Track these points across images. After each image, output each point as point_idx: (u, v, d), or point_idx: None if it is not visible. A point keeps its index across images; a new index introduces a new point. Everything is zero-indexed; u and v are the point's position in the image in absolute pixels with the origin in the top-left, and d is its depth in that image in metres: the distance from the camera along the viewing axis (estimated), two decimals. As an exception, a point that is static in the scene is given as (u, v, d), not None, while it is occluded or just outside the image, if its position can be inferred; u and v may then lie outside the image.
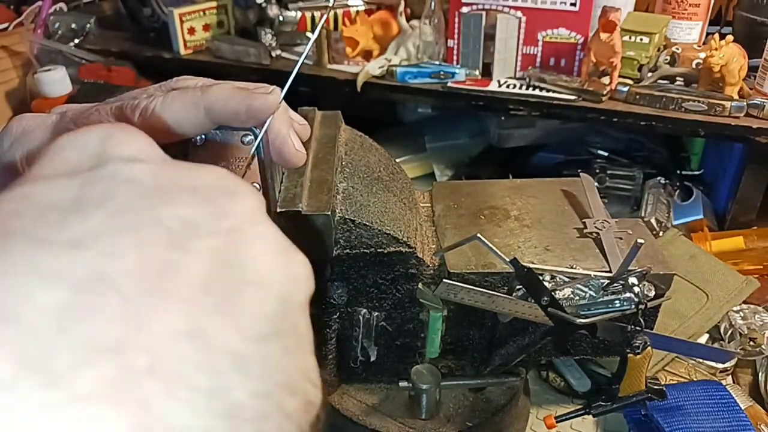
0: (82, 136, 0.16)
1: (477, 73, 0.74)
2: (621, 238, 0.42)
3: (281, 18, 0.82)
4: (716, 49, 0.63)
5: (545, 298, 0.38)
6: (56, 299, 0.12)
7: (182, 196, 0.15)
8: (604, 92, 0.68)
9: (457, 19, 0.74)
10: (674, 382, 0.54)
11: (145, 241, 0.13)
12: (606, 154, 0.85)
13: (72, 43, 0.89)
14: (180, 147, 0.30)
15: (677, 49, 0.71)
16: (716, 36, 0.65)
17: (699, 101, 0.66)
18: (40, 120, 0.27)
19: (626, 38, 0.68)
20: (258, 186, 0.30)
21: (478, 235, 0.37)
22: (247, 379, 0.14)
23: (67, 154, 0.15)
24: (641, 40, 0.69)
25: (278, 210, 0.33)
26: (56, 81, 0.78)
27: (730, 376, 0.56)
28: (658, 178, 0.78)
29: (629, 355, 0.40)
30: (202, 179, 0.16)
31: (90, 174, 0.15)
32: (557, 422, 0.43)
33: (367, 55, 0.84)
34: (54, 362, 0.11)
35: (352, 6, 0.85)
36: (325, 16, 0.33)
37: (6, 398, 0.11)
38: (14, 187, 0.14)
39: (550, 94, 0.70)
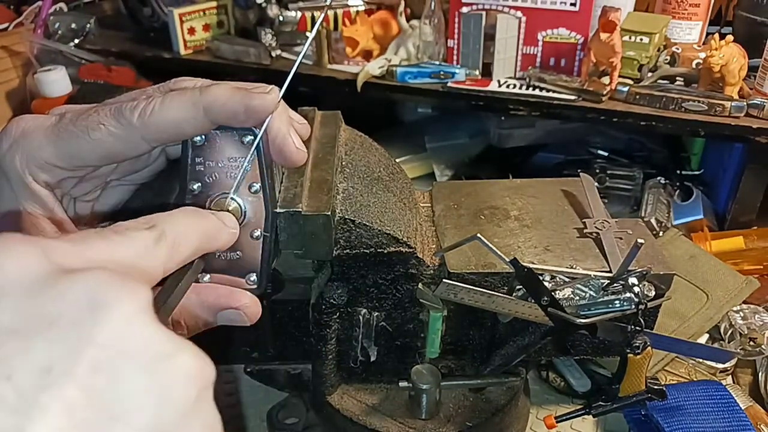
0: None
1: (477, 73, 0.74)
2: (621, 238, 0.42)
3: (281, 18, 0.82)
4: (716, 49, 0.63)
5: (545, 298, 0.37)
6: None
7: (38, 337, 0.14)
8: (604, 92, 0.68)
9: (457, 19, 0.74)
10: (674, 382, 0.54)
11: None
12: (606, 154, 0.85)
13: (72, 43, 0.89)
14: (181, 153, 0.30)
15: (677, 49, 0.71)
16: (716, 36, 0.65)
17: (699, 101, 0.66)
18: (39, 121, 0.27)
19: (626, 38, 0.68)
20: (258, 186, 0.30)
21: (478, 235, 0.37)
22: None
23: None
24: (641, 40, 0.69)
25: (278, 210, 0.33)
26: (56, 81, 0.77)
27: (730, 376, 0.56)
28: (658, 178, 0.78)
29: (629, 355, 0.40)
30: (65, 303, 0.15)
31: None
32: (557, 422, 0.43)
33: (367, 55, 0.84)
34: None
35: (352, 6, 0.85)
36: (322, 15, 0.33)
37: None
38: None
39: (550, 94, 0.70)
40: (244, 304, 0.27)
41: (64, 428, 0.14)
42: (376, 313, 0.42)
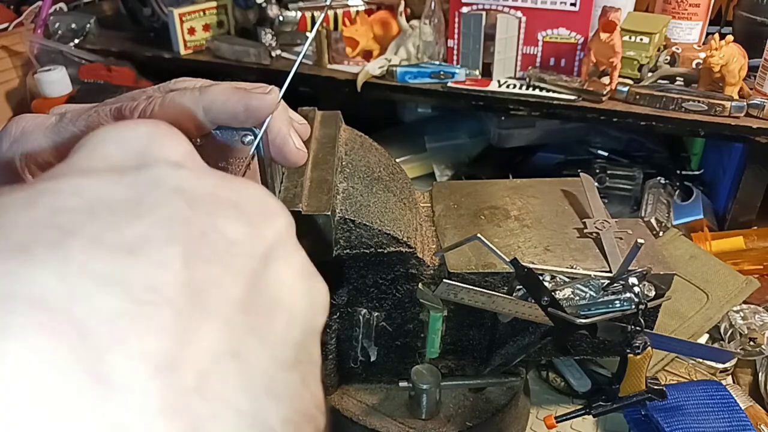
0: (125, 131, 0.16)
1: (477, 73, 0.74)
2: (621, 238, 0.42)
3: (281, 18, 0.82)
4: (716, 49, 0.63)
5: (545, 299, 0.37)
6: (114, 307, 0.12)
7: (224, 211, 0.15)
8: (604, 92, 0.68)
9: (457, 19, 0.74)
10: (674, 382, 0.54)
11: (191, 254, 0.13)
12: (606, 154, 0.85)
13: (72, 43, 0.89)
14: None
15: (677, 49, 0.71)
16: (716, 36, 0.65)
17: (699, 101, 0.66)
18: (39, 121, 0.27)
19: (626, 38, 0.68)
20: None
21: (478, 235, 0.37)
22: (278, 405, 0.14)
23: (108, 149, 0.15)
24: (641, 40, 0.69)
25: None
26: (56, 81, 0.77)
27: (730, 376, 0.56)
28: (658, 178, 0.78)
29: (629, 355, 0.40)
30: (242, 195, 0.16)
31: (137, 175, 0.14)
32: (557, 422, 0.43)
33: (367, 55, 0.84)
34: (112, 373, 0.11)
35: (352, 6, 0.85)
36: (322, 15, 0.33)
37: (62, 404, 0.11)
38: (57, 176, 0.14)
39: (550, 94, 0.70)
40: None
41: (246, 296, 0.14)
42: (376, 313, 0.42)
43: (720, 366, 0.55)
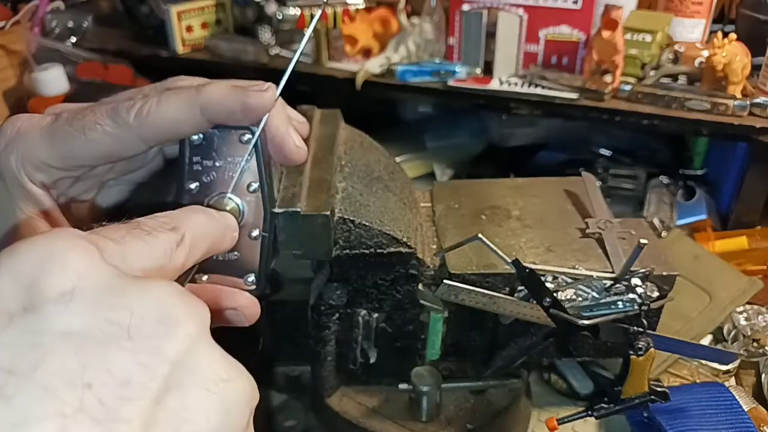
0: (17, 258, 0.15)
1: (478, 71, 0.74)
2: (624, 239, 0.41)
3: (280, 16, 0.81)
4: (719, 48, 0.63)
5: (547, 299, 0.37)
6: None
7: (115, 348, 0.14)
8: (607, 91, 0.67)
9: (457, 17, 0.73)
10: (677, 383, 0.54)
11: (74, 422, 0.13)
12: (608, 153, 0.84)
13: (69, 42, 0.88)
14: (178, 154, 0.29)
15: (680, 47, 0.70)
16: (719, 34, 0.65)
17: (702, 100, 0.65)
18: (35, 121, 0.26)
19: (629, 36, 0.68)
20: (256, 185, 0.30)
21: (480, 235, 0.37)
22: None
23: (2, 284, 0.15)
24: (644, 38, 0.69)
25: (277, 210, 0.32)
26: (53, 79, 0.77)
27: (733, 378, 0.56)
28: (661, 177, 0.78)
29: (632, 356, 0.40)
30: (138, 313, 0.15)
31: (22, 324, 0.14)
32: (559, 424, 0.43)
33: (367, 53, 0.83)
34: None
35: (352, 4, 0.85)
36: (320, 11, 0.33)
37: None
38: None
39: (552, 93, 0.69)
40: (242, 305, 0.27)
41: None
42: (376, 315, 0.41)
43: (723, 367, 0.55)
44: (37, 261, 0.15)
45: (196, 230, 0.22)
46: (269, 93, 0.27)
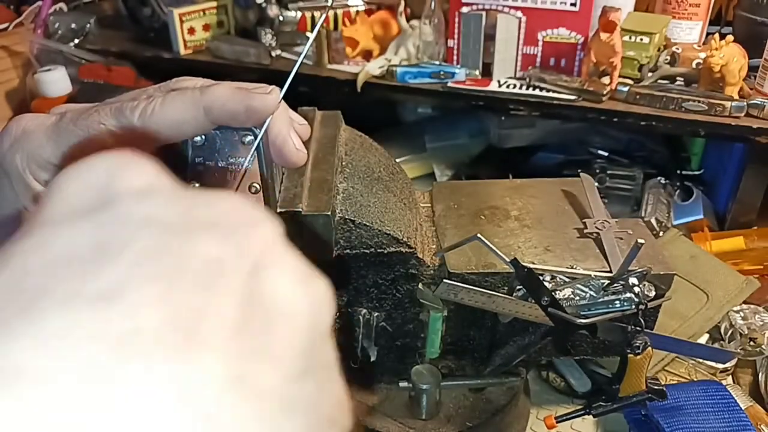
0: (86, 169, 0.15)
1: (477, 73, 0.74)
2: (621, 238, 0.42)
3: (281, 18, 0.82)
4: (716, 49, 0.63)
5: (545, 299, 0.37)
6: (97, 364, 0.11)
7: (202, 232, 0.14)
8: (604, 92, 0.68)
9: (457, 19, 0.74)
10: (674, 382, 0.54)
11: (173, 289, 0.13)
12: (606, 154, 0.85)
13: (72, 43, 0.89)
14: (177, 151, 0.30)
15: (677, 49, 0.71)
16: (716, 36, 0.65)
17: (699, 101, 0.65)
18: (40, 120, 0.27)
19: (626, 38, 0.68)
20: (258, 186, 0.30)
21: (479, 235, 0.37)
22: (295, 418, 0.13)
23: (73, 191, 0.15)
24: (641, 40, 0.69)
25: (278, 210, 0.33)
26: (56, 81, 0.77)
27: (731, 377, 0.56)
28: (659, 178, 0.78)
29: (629, 355, 0.40)
30: (219, 210, 0.15)
31: (102, 215, 0.14)
32: (557, 422, 0.43)
33: (367, 55, 0.84)
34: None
35: (352, 6, 0.85)
36: (323, 15, 0.33)
37: None
38: (26, 234, 0.14)
39: (550, 94, 0.70)
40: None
41: (242, 313, 0.13)
42: (376, 314, 0.42)
43: (720, 366, 0.55)
44: (107, 167, 0.15)
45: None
46: (273, 96, 0.27)
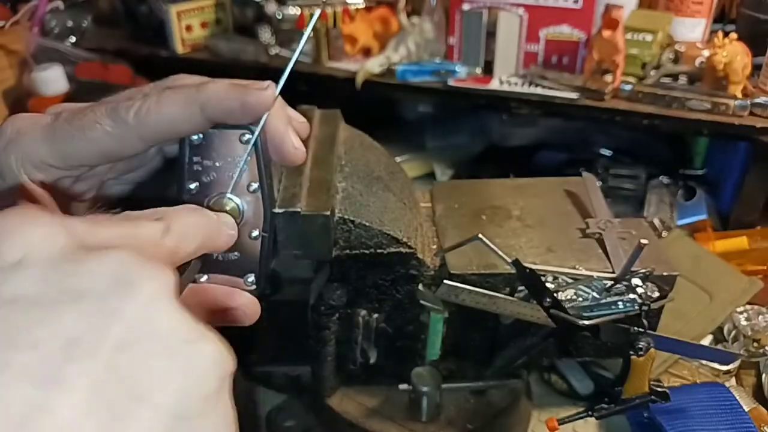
0: None
1: (478, 70, 0.74)
2: (624, 239, 0.41)
3: (279, 15, 0.81)
4: (720, 47, 0.63)
5: (547, 300, 0.37)
6: None
7: (65, 308, 0.14)
8: (607, 90, 0.67)
9: (458, 17, 0.73)
10: (677, 384, 0.54)
11: (12, 384, 0.13)
12: (609, 153, 0.84)
13: (68, 42, 0.88)
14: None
15: (680, 47, 0.70)
16: (720, 34, 0.65)
17: (702, 100, 0.65)
18: (34, 120, 0.26)
19: (629, 36, 0.68)
20: (256, 186, 0.30)
21: (480, 235, 0.37)
22: None
23: None
24: (644, 38, 0.68)
25: (277, 210, 0.32)
26: (53, 79, 0.77)
27: (734, 378, 0.56)
28: (662, 177, 0.78)
29: (632, 357, 0.40)
30: (92, 279, 0.15)
31: None
32: (559, 425, 0.43)
33: (367, 53, 0.83)
34: None
35: (352, 3, 0.85)
36: (318, 11, 0.33)
37: None
38: None
39: (552, 93, 0.69)
40: (242, 304, 0.27)
41: (88, 405, 0.13)
42: (376, 315, 0.41)
43: (723, 368, 0.55)
44: None
45: (186, 222, 0.22)
46: (269, 91, 0.27)
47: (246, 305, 0.27)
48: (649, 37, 0.68)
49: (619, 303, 0.39)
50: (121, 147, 0.26)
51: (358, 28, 0.82)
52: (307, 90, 0.78)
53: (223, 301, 0.27)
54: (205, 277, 0.30)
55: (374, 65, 0.75)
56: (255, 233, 0.30)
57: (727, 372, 0.55)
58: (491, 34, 0.72)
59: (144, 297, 0.15)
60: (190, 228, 0.22)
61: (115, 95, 0.28)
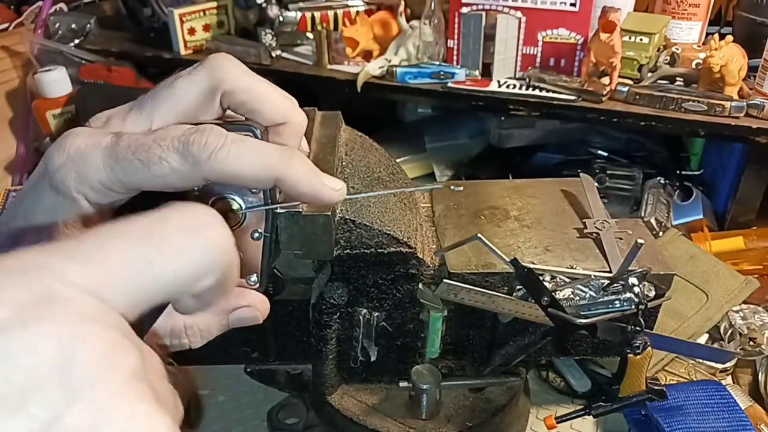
0: None
1: (477, 73, 0.74)
2: (621, 239, 0.42)
3: (281, 18, 0.82)
4: (716, 50, 0.64)
5: (545, 299, 0.37)
6: None
7: None
8: (604, 92, 0.68)
9: (457, 20, 0.74)
10: (674, 382, 0.54)
11: None
12: (606, 154, 0.85)
13: (72, 44, 0.89)
14: None
15: (677, 49, 0.71)
16: (716, 36, 0.65)
17: (699, 101, 0.66)
18: (95, 140, 0.25)
19: (626, 38, 0.68)
20: (258, 200, 0.30)
21: (479, 235, 0.37)
22: None
23: None
24: (641, 40, 0.69)
25: (279, 210, 0.33)
26: (56, 81, 0.77)
27: (730, 376, 0.56)
28: (658, 178, 0.78)
29: (629, 355, 0.40)
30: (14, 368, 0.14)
31: None
32: (557, 422, 0.43)
33: (367, 56, 0.84)
34: None
35: (352, 6, 0.85)
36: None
37: None
38: None
39: (550, 95, 0.70)
40: (253, 301, 0.28)
41: None
42: (377, 313, 0.42)
43: (720, 366, 0.55)
44: None
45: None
46: (338, 194, 0.27)
47: (257, 303, 0.28)
48: (645, 40, 0.69)
49: (616, 302, 0.39)
50: (185, 183, 0.25)
51: (359, 31, 0.83)
52: (308, 92, 0.79)
53: (237, 300, 0.27)
54: None
55: (374, 68, 0.76)
56: (257, 234, 0.31)
57: (724, 370, 0.56)
58: (490, 37, 0.73)
59: (117, 382, 0.14)
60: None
61: (178, 123, 0.26)
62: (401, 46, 0.80)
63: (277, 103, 0.28)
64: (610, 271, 0.39)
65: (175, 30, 0.83)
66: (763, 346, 0.55)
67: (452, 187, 0.32)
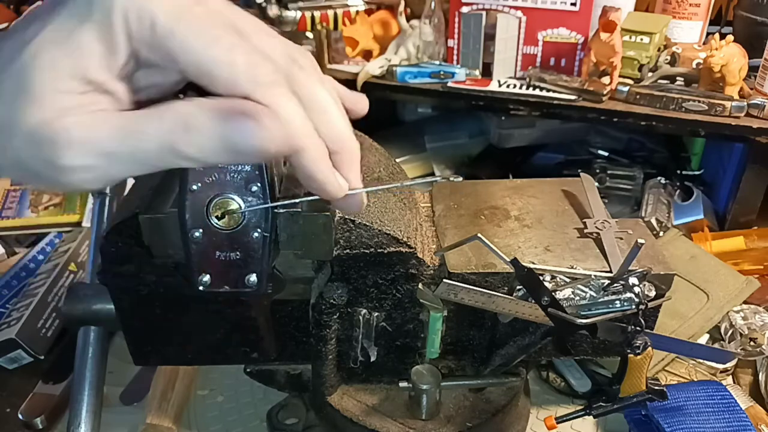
0: None
1: (477, 72, 0.74)
2: (621, 238, 0.42)
3: (281, 18, 0.82)
4: (716, 49, 0.63)
5: (545, 299, 0.37)
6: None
7: None
8: (605, 92, 0.68)
9: (457, 19, 0.74)
10: (675, 382, 0.54)
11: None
12: (606, 154, 0.85)
13: (71, 43, 0.89)
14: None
15: (677, 49, 0.71)
16: (716, 36, 0.65)
17: (699, 101, 0.65)
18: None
19: (626, 38, 0.68)
20: (257, 186, 0.30)
21: (479, 235, 0.37)
22: None
23: None
24: (641, 40, 0.69)
25: (278, 210, 0.33)
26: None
27: (731, 377, 0.56)
28: (659, 178, 0.78)
29: (630, 355, 0.40)
30: None
31: None
32: (558, 423, 0.43)
33: (367, 55, 0.84)
34: None
35: (352, 6, 0.85)
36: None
37: None
38: None
39: (551, 94, 0.70)
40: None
41: None
42: (376, 314, 0.41)
43: (720, 366, 0.55)
44: None
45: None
46: (359, 205, 0.28)
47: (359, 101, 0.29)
48: (646, 39, 0.69)
49: (617, 302, 0.39)
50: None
51: (359, 31, 0.83)
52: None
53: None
54: (206, 278, 0.31)
55: (374, 67, 0.76)
56: (257, 233, 0.30)
57: (724, 371, 0.56)
58: (490, 37, 0.73)
59: None
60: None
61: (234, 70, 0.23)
62: (401, 46, 0.80)
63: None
64: (611, 271, 0.39)
65: (174, 29, 0.82)
66: (763, 347, 0.55)
67: (451, 179, 0.31)
